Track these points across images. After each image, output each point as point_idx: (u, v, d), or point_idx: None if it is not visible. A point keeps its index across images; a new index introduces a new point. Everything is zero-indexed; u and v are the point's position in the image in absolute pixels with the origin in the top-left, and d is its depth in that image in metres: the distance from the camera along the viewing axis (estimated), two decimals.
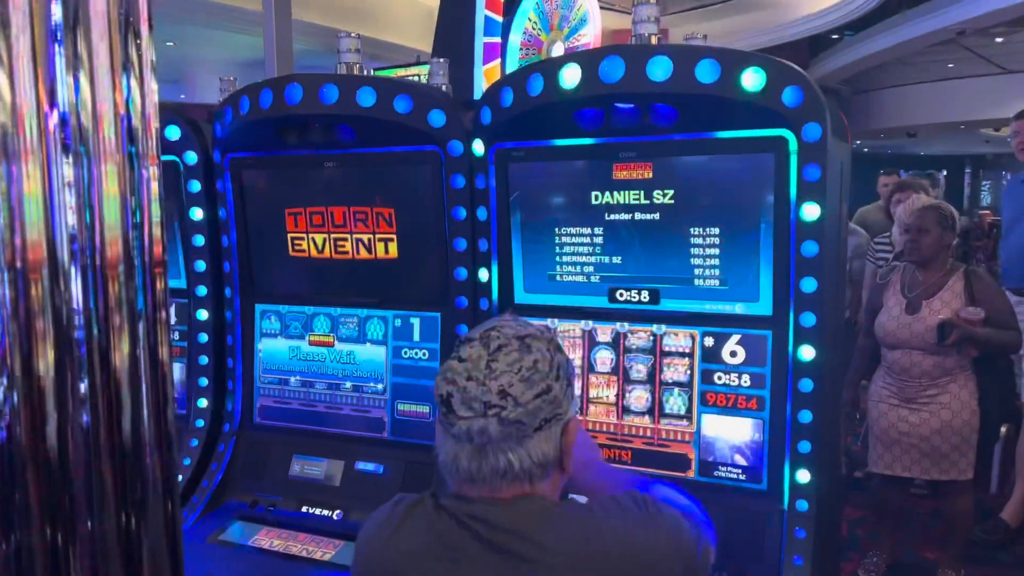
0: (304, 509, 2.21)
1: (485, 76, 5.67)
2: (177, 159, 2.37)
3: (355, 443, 2.26)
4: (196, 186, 2.38)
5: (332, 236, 2.24)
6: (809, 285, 1.72)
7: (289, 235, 2.30)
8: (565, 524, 1.12)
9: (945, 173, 21.09)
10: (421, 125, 2.00)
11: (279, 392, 2.39)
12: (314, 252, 2.28)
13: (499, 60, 5.69)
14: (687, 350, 1.90)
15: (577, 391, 1.94)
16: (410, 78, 6.42)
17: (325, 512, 2.18)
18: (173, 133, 2.35)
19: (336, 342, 2.31)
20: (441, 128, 2.01)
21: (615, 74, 1.73)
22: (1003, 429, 4.14)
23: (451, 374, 1.13)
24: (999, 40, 9.12)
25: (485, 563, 1.11)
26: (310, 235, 2.27)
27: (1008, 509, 3.96)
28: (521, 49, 5.63)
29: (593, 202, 1.93)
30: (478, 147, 2.00)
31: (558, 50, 5.49)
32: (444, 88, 2.30)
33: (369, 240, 2.20)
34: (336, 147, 2.15)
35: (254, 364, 2.41)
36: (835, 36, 10.37)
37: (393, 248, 2.17)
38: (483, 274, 2.08)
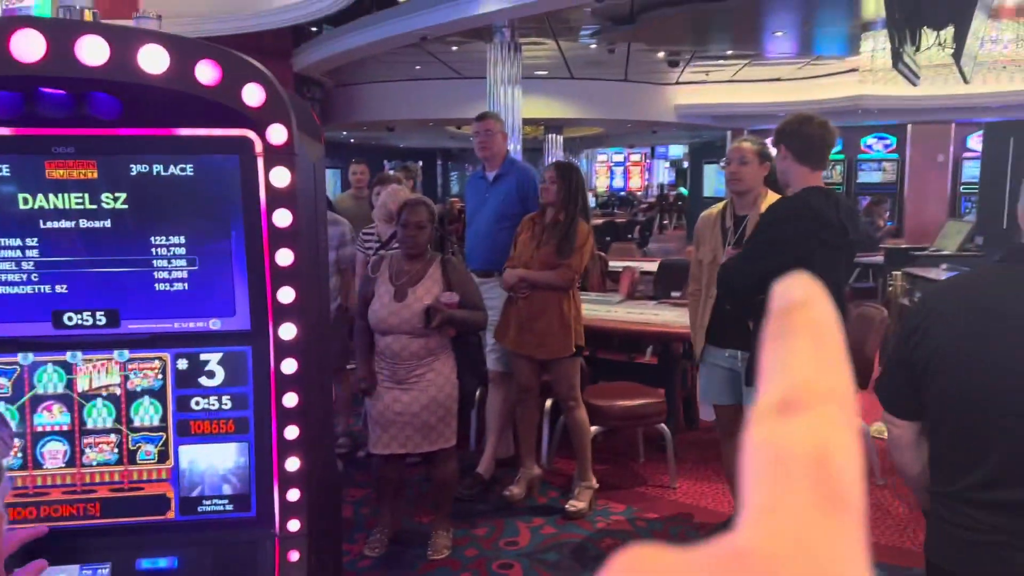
0: None
1: None
2: None
3: None
4: None
5: None
6: (287, 295, 1.63)
7: None
8: None
9: (421, 164, 23.52)
10: None
11: None
12: None
13: None
14: (158, 376, 1.66)
15: (8, 460, 1.56)
16: None
17: None
18: None
19: None
20: None
21: (33, 53, 1.39)
22: (477, 395, 4.75)
23: None
24: (455, 48, 10.36)
25: None
26: None
27: (482, 464, 4.52)
28: None
29: (22, 206, 1.56)
30: None
31: None
32: None
33: None
34: None
35: None
36: (315, 28, 10.64)
37: None
38: None
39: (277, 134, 1.55)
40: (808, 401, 0.21)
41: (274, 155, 1.56)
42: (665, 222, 21.07)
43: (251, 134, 1.56)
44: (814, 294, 0.23)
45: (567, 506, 4.14)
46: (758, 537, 0.20)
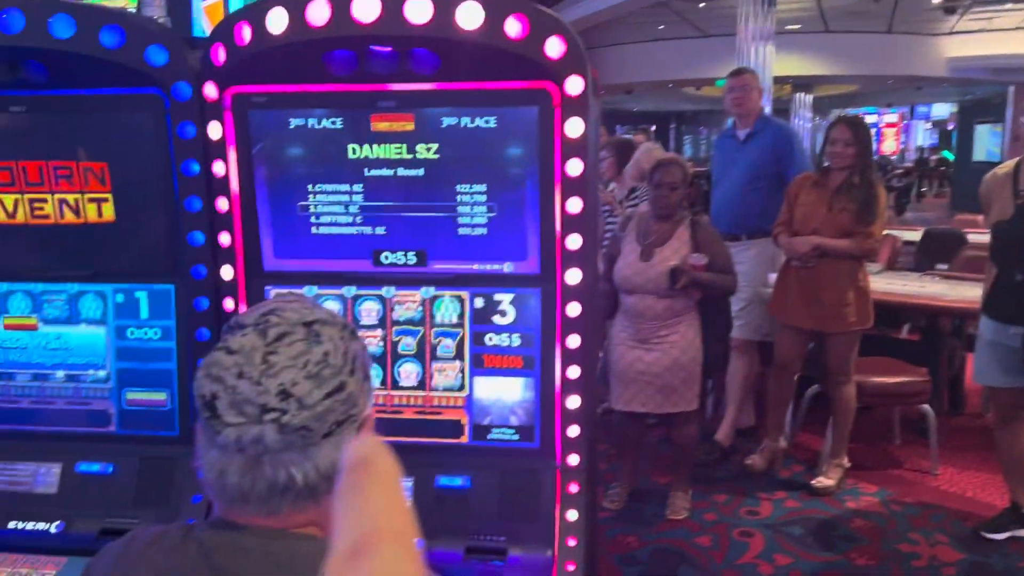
0: (12, 525, 1.84)
1: (206, 12, 5.08)
2: None
3: (74, 441, 1.91)
4: None
5: (26, 197, 1.84)
6: (575, 242, 1.71)
7: None
8: None
9: (654, 128, 23.20)
10: (136, 63, 1.69)
11: None
12: (2, 217, 1.86)
13: None
14: (457, 312, 1.81)
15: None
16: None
17: (40, 525, 1.83)
18: None
19: (41, 324, 1.92)
20: (163, 67, 1.71)
21: (370, 14, 1.56)
22: (719, 362, 4.66)
23: (217, 370, 0.91)
24: (702, 5, 10.05)
25: None
26: None
27: (721, 431, 4.46)
28: None
29: (350, 156, 1.76)
30: (210, 91, 1.73)
31: None
32: (161, 21, 1.98)
33: (76, 201, 1.83)
34: (25, 87, 1.75)
35: None
36: None
37: (108, 210, 1.83)
38: (224, 238, 1.83)
39: (574, 85, 1.62)
40: (375, 544, 0.23)
41: (570, 106, 1.63)
42: (924, 189, 19.12)
43: (550, 86, 1.63)
44: (379, 451, 0.25)
45: (813, 482, 3.98)
46: None
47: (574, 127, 1.65)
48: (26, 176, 1.83)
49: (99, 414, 1.93)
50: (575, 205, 1.69)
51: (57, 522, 1.83)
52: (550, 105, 1.65)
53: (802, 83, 14.17)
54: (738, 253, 4.13)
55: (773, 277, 4.28)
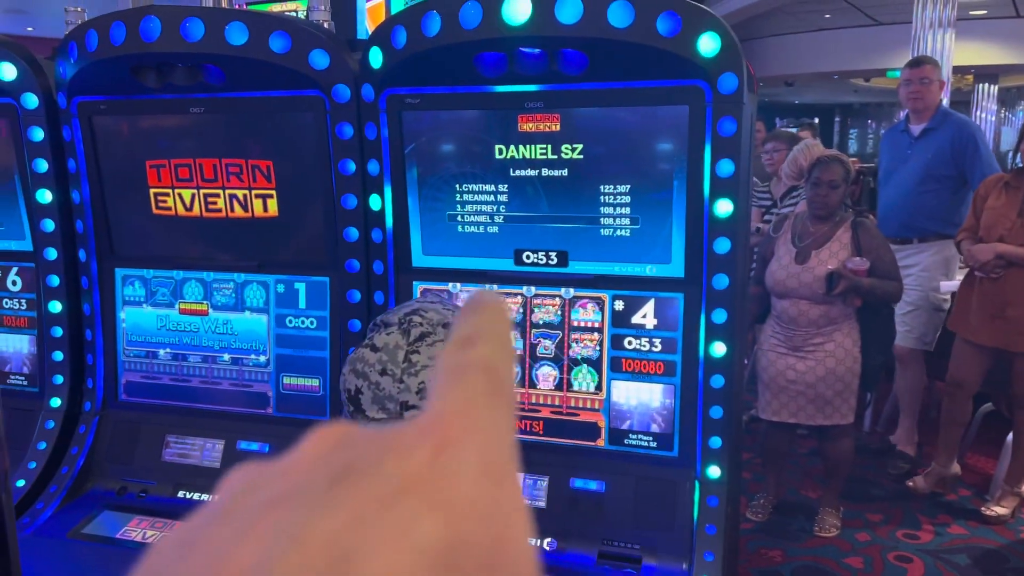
0: (181, 494, 2.01)
1: (369, 14, 5.31)
2: (14, 102, 2.05)
3: (236, 420, 2.06)
4: (38, 133, 2.06)
5: (202, 192, 1.99)
6: (723, 246, 1.64)
7: (152, 191, 2.03)
8: None
9: (817, 121, 22.02)
10: (301, 67, 1.78)
11: (147, 366, 2.14)
12: (181, 210, 2.02)
13: None
14: (597, 314, 1.79)
15: None
16: (287, 13, 5.94)
17: (205, 497, 1.98)
18: (7, 71, 2.02)
19: (211, 310, 2.08)
20: (325, 70, 1.79)
21: (521, 15, 1.56)
22: (880, 373, 4.37)
23: (362, 366, 0.95)
24: None
25: None
26: (176, 191, 2.01)
27: (901, 442, 4.18)
28: None
29: (497, 156, 1.78)
30: (367, 93, 1.80)
31: None
32: (327, 25, 2.07)
33: (245, 197, 1.96)
34: (203, 90, 1.89)
35: (116, 335, 2.15)
36: None
37: (273, 205, 1.95)
38: (376, 234, 1.90)
39: (728, 83, 1.55)
40: (480, 338, 0.27)
41: (723, 104, 1.57)
42: None
43: (702, 84, 1.58)
44: (497, 296, 0.31)
45: (984, 509, 3.65)
46: (435, 409, 0.24)
47: (726, 126, 1.58)
48: (202, 172, 1.98)
49: (259, 396, 2.06)
50: (724, 207, 1.62)
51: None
52: (702, 103, 1.59)
53: (987, 73, 12.99)
54: (907, 257, 3.85)
55: (946, 284, 3.94)
